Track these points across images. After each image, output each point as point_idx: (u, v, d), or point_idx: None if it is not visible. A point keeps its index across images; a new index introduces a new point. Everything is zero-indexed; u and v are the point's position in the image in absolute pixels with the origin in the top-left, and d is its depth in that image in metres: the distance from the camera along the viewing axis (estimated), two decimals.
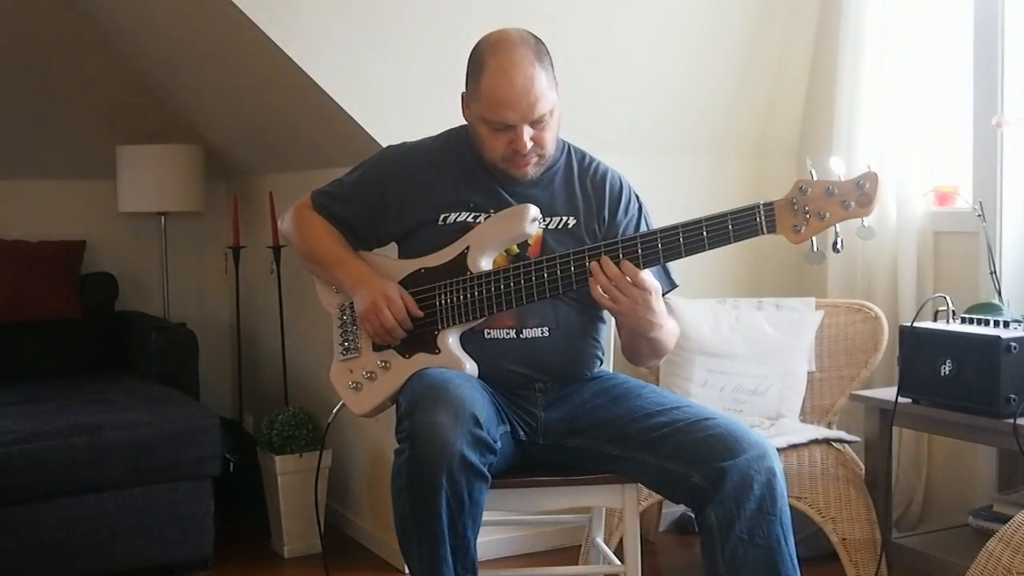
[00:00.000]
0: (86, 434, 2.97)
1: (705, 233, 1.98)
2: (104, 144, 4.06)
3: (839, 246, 1.95)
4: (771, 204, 1.95)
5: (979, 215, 2.90)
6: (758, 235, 1.96)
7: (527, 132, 2.11)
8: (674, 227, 2.01)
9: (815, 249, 1.96)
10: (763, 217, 1.94)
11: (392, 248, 2.36)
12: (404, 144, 2.34)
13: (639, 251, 2.02)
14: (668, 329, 2.17)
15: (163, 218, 4.15)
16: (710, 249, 1.99)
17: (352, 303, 2.26)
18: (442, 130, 2.35)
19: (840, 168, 1.94)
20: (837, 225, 1.94)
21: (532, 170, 2.18)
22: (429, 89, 3.07)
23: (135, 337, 3.88)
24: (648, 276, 2.04)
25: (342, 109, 3.01)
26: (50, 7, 3.89)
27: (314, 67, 2.96)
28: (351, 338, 2.26)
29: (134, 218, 4.22)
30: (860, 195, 1.91)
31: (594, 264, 2.03)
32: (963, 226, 3.05)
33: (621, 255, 2.02)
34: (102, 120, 4.14)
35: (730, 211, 1.97)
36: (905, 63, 3.14)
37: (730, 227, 1.96)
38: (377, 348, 2.22)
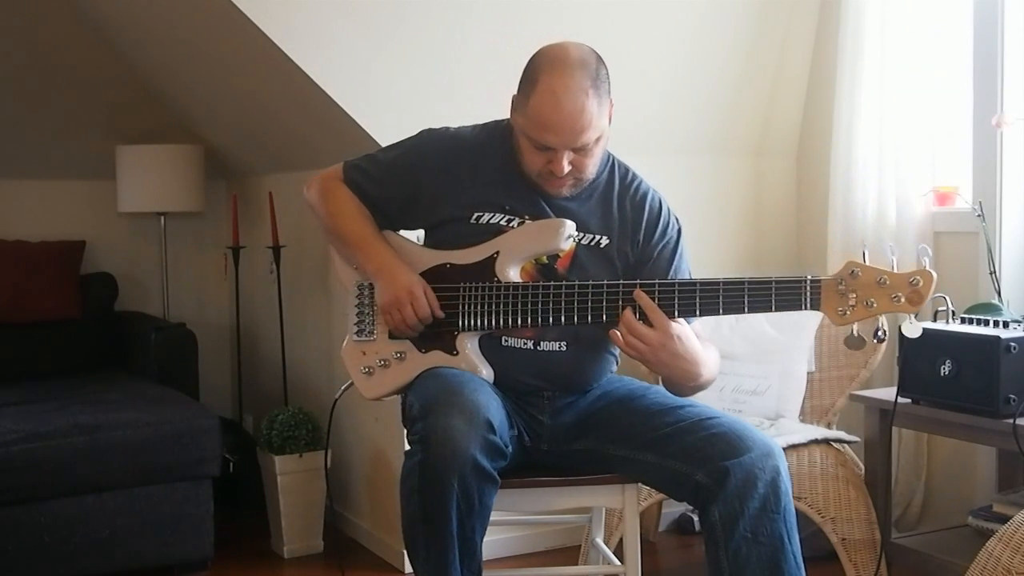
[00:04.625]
0: (86, 434, 2.97)
1: (746, 296, 1.96)
2: (104, 144, 4.06)
3: (882, 336, 1.93)
4: (818, 281, 1.93)
5: (979, 215, 2.90)
6: (800, 310, 1.95)
7: (567, 156, 2.06)
8: (714, 282, 1.98)
9: (856, 334, 1.95)
10: (808, 293, 1.93)
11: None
12: (445, 131, 2.27)
13: (676, 299, 2.00)
14: (709, 369, 2.11)
15: (163, 218, 4.15)
16: (749, 312, 1.97)
17: (372, 284, 2.22)
18: (457, 124, 2.30)
19: (895, 254, 1.92)
20: (882, 316, 1.92)
21: (566, 191, 2.14)
22: (429, 89, 3.07)
23: (135, 337, 3.87)
24: (672, 322, 2.00)
25: (342, 109, 3.01)
26: (50, 8, 3.89)
27: (314, 67, 2.96)
28: (368, 320, 2.22)
29: (134, 218, 4.22)
30: (911, 292, 1.89)
31: (636, 292, 2.00)
32: (963, 226, 3.05)
33: (657, 299, 2.00)
34: (102, 120, 4.14)
35: (775, 278, 1.95)
36: (905, 63, 3.14)
37: (772, 296, 1.95)
38: (393, 337, 2.19)
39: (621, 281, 2.06)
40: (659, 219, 2.22)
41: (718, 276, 2.01)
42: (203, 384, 3.83)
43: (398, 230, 2.29)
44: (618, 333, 2.02)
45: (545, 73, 2.04)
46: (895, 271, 1.91)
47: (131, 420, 3.06)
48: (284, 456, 3.35)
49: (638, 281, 2.05)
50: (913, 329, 1.94)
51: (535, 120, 2.04)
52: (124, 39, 3.96)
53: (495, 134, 2.23)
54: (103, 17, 3.89)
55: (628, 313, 2.01)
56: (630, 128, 3.40)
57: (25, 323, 3.82)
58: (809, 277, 1.94)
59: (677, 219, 2.26)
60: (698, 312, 2.00)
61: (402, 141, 2.29)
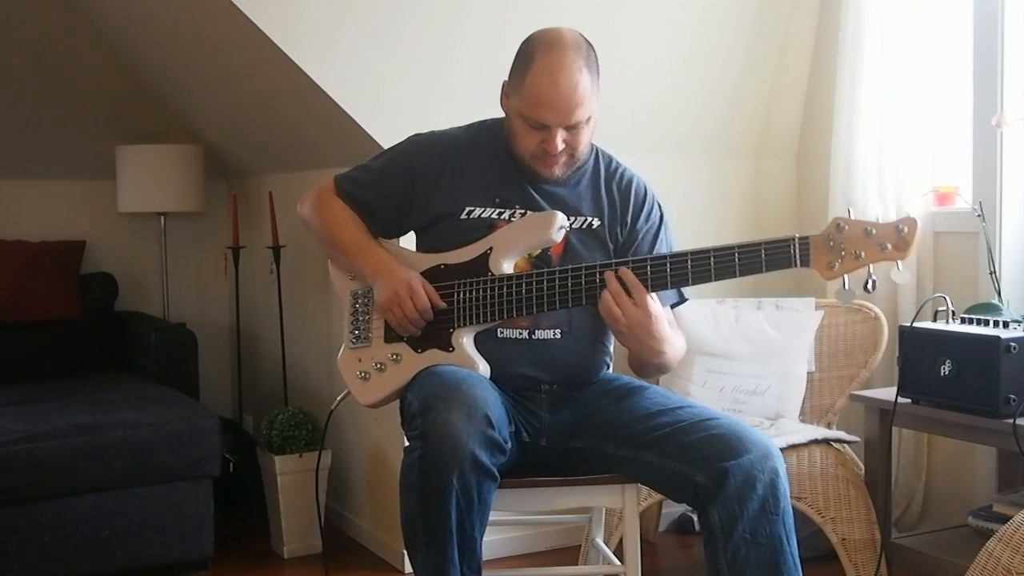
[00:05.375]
0: (85, 434, 2.97)
1: (737, 260, 1.97)
2: (104, 144, 4.06)
3: (870, 287, 1.95)
4: (807, 238, 1.95)
5: (979, 215, 2.90)
6: (791, 267, 1.96)
7: (561, 134, 2.10)
8: (705, 250, 2.00)
9: (846, 287, 1.96)
10: (797, 250, 1.94)
11: (408, 239, 2.34)
12: (433, 133, 2.32)
13: (667, 270, 2.01)
14: (674, 349, 2.15)
15: (163, 218, 4.15)
16: (740, 276, 1.98)
17: (366, 291, 2.24)
18: (447, 127, 2.33)
19: (879, 210, 1.95)
20: (871, 265, 1.94)
21: (559, 171, 2.18)
22: (429, 90, 3.07)
23: (135, 337, 3.87)
24: (652, 301, 2.03)
25: (342, 109, 3.01)
26: (50, 7, 3.89)
27: (314, 67, 2.96)
28: (363, 327, 2.24)
29: (134, 218, 4.22)
30: (898, 239, 1.91)
31: (609, 273, 2.03)
32: (963, 226, 3.05)
33: (649, 271, 2.01)
34: (102, 120, 4.14)
35: (764, 240, 1.96)
36: (905, 63, 3.14)
37: (763, 256, 1.95)
38: (389, 340, 2.20)
39: (613, 260, 2.08)
40: (644, 203, 2.28)
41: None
42: (203, 384, 3.83)
43: (392, 237, 2.32)
44: (606, 294, 2.03)
45: (541, 53, 2.10)
46: (880, 221, 1.93)
47: (131, 420, 3.06)
48: (284, 456, 3.35)
49: (630, 258, 2.07)
50: (902, 276, 1.96)
51: (531, 98, 2.09)
52: (124, 39, 3.96)
53: (483, 130, 2.28)
54: (103, 17, 3.89)
55: (615, 282, 2.02)
56: (630, 128, 3.41)
57: (25, 323, 3.81)
58: (797, 236, 1.95)
59: (660, 205, 2.31)
60: (691, 280, 2.02)
61: (391, 147, 2.33)
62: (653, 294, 2.05)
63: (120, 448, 2.99)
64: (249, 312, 4.16)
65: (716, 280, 2.01)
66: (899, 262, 1.93)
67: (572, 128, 2.11)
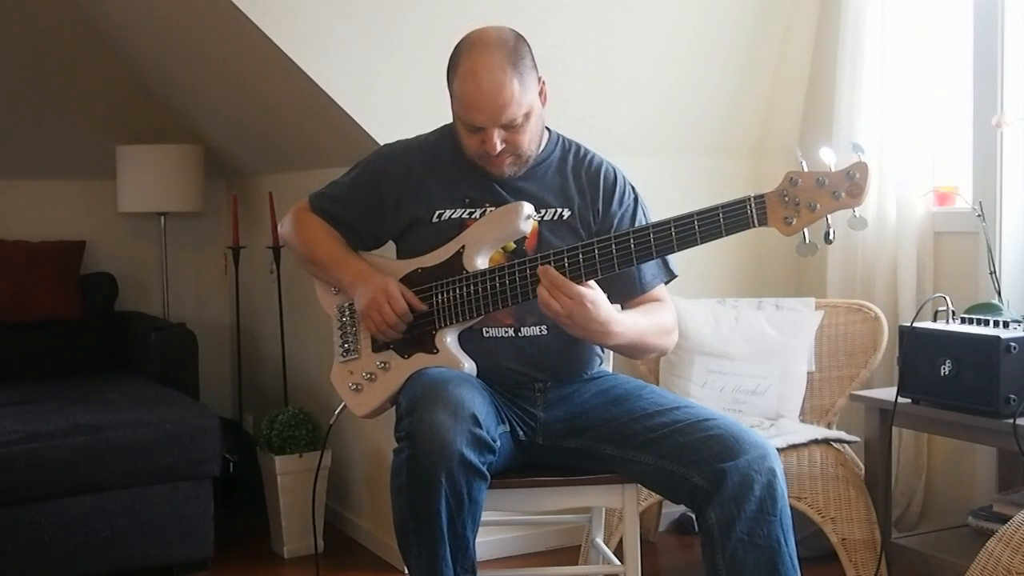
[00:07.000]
0: (86, 434, 2.97)
1: (697, 227, 1.96)
2: (104, 144, 4.06)
3: (831, 237, 1.94)
4: (762, 196, 1.93)
5: (979, 215, 2.90)
6: (749, 228, 1.94)
7: (498, 134, 2.11)
8: (666, 222, 1.99)
9: (807, 241, 1.95)
10: (754, 210, 1.92)
11: (389, 249, 2.36)
12: (399, 142, 2.35)
13: (631, 246, 2.00)
14: (640, 332, 2.13)
15: (163, 218, 4.15)
16: (702, 243, 1.97)
17: (351, 304, 2.26)
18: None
19: (830, 158, 1.92)
20: (829, 216, 1.93)
21: (508, 170, 2.18)
22: (429, 90, 3.06)
23: (135, 337, 3.88)
24: (588, 289, 2.00)
25: (342, 109, 3.01)
26: (50, 7, 3.89)
27: (314, 67, 2.96)
28: (351, 340, 2.27)
29: (134, 218, 4.22)
30: (851, 185, 1.89)
31: (541, 268, 2.01)
32: (963, 226, 3.05)
33: (614, 250, 2.00)
34: (102, 120, 4.14)
35: (721, 204, 1.95)
36: (905, 63, 3.14)
37: (721, 221, 1.94)
38: (376, 349, 2.23)
39: (580, 243, 2.05)
40: (615, 187, 2.27)
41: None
42: (203, 384, 3.83)
43: (370, 249, 2.34)
44: (542, 289, 2.00)
45: (464, 55, 2.12)
46: (832, 170, 1.91)
47: (131, 420, 3.06)
48: (284, 456, 3.35)
49: (595, 239, 2.03)
50: (858, 223, 1.94)
51: (461, 101, 2.12)
52: (124, 39, 3.96)
53: (446, 134, 2.30)
54: (103, 17, 3.89)
55: (547, 277, 1.99)
56: (630, 128, 3.41)
57: (25, 323, 3.82)
58: (752, 195, 1.93)
59: (634, 187, 2.30)
60: (655, 253, 2.00)
61: (361, 161, 2.36)
62: (591, 282, 2.02)
63: (120, 448, 2.99)
64: (249, 312, 4.16)
65: (679, 250, 2.00)
66: (855, 209, 1.91)
67: (510, 128, 2.11)
